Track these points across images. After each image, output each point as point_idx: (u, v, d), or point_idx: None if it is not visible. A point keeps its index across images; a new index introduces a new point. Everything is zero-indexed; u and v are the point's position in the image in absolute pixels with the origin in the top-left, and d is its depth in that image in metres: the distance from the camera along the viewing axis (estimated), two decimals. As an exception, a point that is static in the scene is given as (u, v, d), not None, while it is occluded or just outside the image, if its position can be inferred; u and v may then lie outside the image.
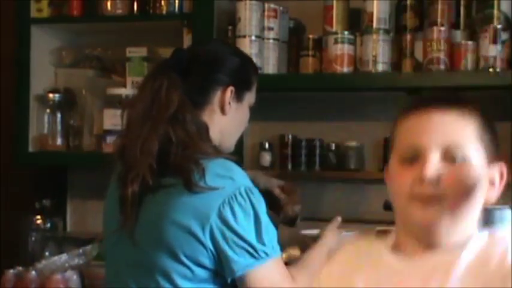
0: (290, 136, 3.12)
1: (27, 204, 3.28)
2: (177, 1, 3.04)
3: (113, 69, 3.31)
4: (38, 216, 3.27)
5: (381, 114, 3.08)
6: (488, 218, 2.34)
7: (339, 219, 2.38)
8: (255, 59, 2.89)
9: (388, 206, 2.57)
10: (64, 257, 2.98)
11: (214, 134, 2.03)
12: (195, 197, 1.89)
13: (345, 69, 2.85)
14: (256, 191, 1.95)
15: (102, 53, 3.30)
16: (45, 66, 3.26)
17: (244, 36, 2.91)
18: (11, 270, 2.96)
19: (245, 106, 2.12)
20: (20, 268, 2.98)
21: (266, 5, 2.95)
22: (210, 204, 1.89)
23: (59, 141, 3.22)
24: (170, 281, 1.92)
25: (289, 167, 3.11)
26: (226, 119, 2.06)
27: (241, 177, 1.95)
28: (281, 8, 2.99)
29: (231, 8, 2.99)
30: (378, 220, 2.94)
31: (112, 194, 2.03)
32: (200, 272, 1.92)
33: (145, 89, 2.00)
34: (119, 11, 3.12)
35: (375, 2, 2.83)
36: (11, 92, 3.22)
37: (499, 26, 2.71)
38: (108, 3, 3.13)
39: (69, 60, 3.33)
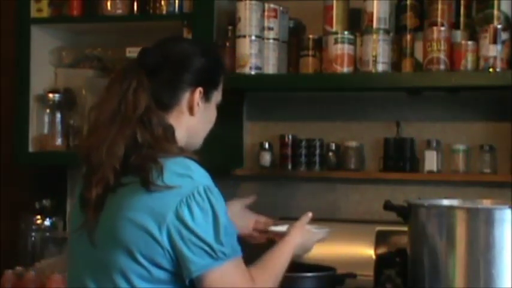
0: (290, 136, 3.12)
1: (27, 204, 3.28)
2: (177, 1, 3.04)
3: (113, 69, 3.31)
4: (38, 216, 3.27)
5: (381, 114, 3.08)
6: (488, 218, 2.35)
7: (309, 215, 2.30)
8: (255, 59, 2.90)
9: (388, 206, 2.58)
10: (64, 257, 2.98)
11: (181, 134, 2.02)
12: (152, 195, 1.87)
13: (345, 69, 2.85)
14: (216, 191, 1.93)
15: (102, 53, 3.30)
16: (45, 66, 3.26)
17: (244, 36, 2.91)
18: (11, 270, 2.96)
19: (213, 105, 2.11)
20: (20, 268, 2.98)
21: (266, 5, 2.95)
22: (167, 203, 1.86)
23: (59, 141, 3.22)
24: (128, 281, 1.89)
25: (289, 167, 3.11)
26: (194, 120, 2.04)
27: (200, 176, 1.93)
28: (281, 8, 2.99)
29: (231, 8, 2.99)
30: (377, 220, 2.95)
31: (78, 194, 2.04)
32: (157, 273, 1.89)
33: (112, 90, 1.97)
34: (119, 11, 3.12)
35: (375, 2, 2.83)
36: (11, 92, 3.22)
37: (499, 26, 2.70)
38: (108, 3, 3.13)
39: (69, 60, 3.33)
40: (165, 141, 1.94)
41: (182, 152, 1.97)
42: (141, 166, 1.89)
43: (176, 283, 1.91)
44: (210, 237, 1.87)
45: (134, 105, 1.93)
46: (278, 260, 2.11)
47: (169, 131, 1.97)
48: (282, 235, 2.25)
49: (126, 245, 1.88)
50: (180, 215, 1.86)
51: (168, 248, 1.87)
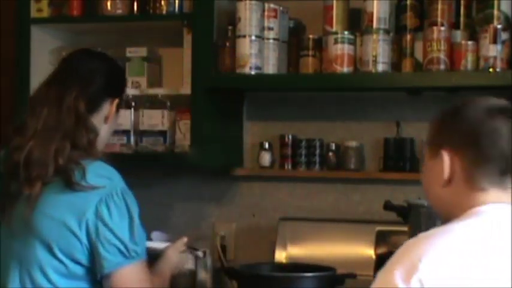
0: (290, 136, 3.12)
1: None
2: (177, 1, 3.04)
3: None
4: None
5: (381, 114, 3.08)
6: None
7: (185, 239, 2.48)
8: (254, 59, 2.90)
9: (388, 206, 2.59)
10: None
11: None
12: (74, 194, 2.01)
13: (345, 69, 2.85)
14: (131, 194, 2.08)
15: (102, 53, 3.30)
16: (45, 66, 3.25)
17: (244, 36, 2.91)
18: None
19: (117, 117, 2.28)
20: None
21: (266, 5, 2.95)
22: (88, 201, 2.01)
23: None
24: (45, 275, 2.03)
25: (289, 167, 3.11)
26: (105, 128, 2.21)
27: (118, 179, 2.08)
28: (281, 8, 2.99)
29: (231, 8, 2.99)
30: (378, 220, 2.95)
31: None
32: (74, 268, 2.02)
33: (47, 97, 2.14)
34: (119, 11, 3.12)
35: (375, 2, 2.83)
36: (11, 92, 3.22)
37: (499, 26, 2.71)
38: (108, 3, 3.13)
39: (69, 60, 3.32)
40: (94, 145, 2.13)
41: (103, 155, 2.13)
42: (64, 167, 2.04)
43: (91, 279, 2.04)
44: (125, 236, 2.01)
45: (71, 111, 2.10)
46: (162, 277, 2.30)
47: (97, 136, 2.15)
48: (157, 253, 2.41)
49: (46, 241, 2.02)
50: (100, 213, 2.01)
51: (86, 243, 2.00)
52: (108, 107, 2.20)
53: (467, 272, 1.52)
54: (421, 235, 1.60)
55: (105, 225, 2.00)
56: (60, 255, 2.01)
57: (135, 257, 2.02)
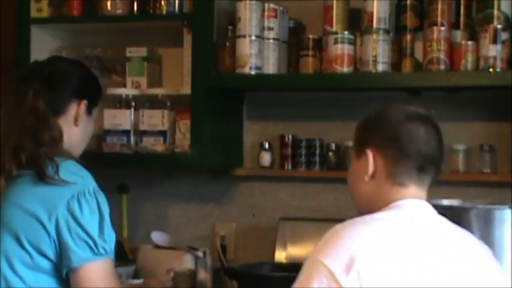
0: (290, 136, 3.12)
1: None
2: (177, 1, 3.04)
3: (113, 69, 3.31)
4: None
5: (381, 114, 3.08)
6: (488, 218, 2.35)
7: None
8: (254, 59, 2.90)
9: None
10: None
11: (64, 142, 2.19)
12: (46, 187, 2.05)
13: (345, 69, 2.85)
14: (102, 194, 2.10)
15: (102, 53, 3.30)
16: (45, 66, 3.26)
17: (244, 36, 2.91)
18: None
19: (92, 120, 2.30)
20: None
21: (266, 5, 2.95)
22: (60, 196, 2.04)
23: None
24: (11, 265, 2.05)
25: (289, 167, 3.11)
26: (76, 130, 2.24)
27: (90, 179, 2.12)
28: (281, 8, 2.99)
29: (231, 8, 2.99)
30: (378, 220, 2.94)
31: None
32: (41, 262, 2.05)
33: (10, 97, 2.19)
34: (119, 11, 3.12)
35: (375, 2, 2.83)
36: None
37: (499, 26, 2.70)
38: (108, 3, 3.13)
39: (69, 60, 3.33)
40: (59, 143, 2.16)
41: (71, 155, 2.17)
42: (37, 161, 2.08)
43: (57, 275, 2.06)
44: (94, 233, 2.04)
45: (33, 108, 2.15)
46: None
47: (61, 134, 2.18)
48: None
49: (14, 231, 2.05)
50: (71, 208, 2.03)
51: (55, 237, 2.03)
52: (75, 109, 2.22)
53: (395, 262, 1.67)
54: (348, 223, 1.77)
55: (76, 220, 2.03)
56: (27, 247, 2.04)
57: (103, 254, 2.04)
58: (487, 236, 2.30)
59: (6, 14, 3.33)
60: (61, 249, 2.03)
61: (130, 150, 3.09)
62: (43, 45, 3.23)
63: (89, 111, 2.26)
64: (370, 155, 1.84)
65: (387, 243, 1.70)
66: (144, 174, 3.28)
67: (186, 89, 3.00)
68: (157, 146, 3.07)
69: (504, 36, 2.71)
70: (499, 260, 2.28)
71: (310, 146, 3.10)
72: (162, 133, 3.07)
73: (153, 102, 3.12)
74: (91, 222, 2.05)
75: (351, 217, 2.67)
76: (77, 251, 2.02)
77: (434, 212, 1.84)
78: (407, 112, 1.88)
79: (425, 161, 1.83)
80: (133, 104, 3.12)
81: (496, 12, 2.75)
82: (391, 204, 1.80)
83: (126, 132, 3.08)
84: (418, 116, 1.88)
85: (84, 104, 2.23)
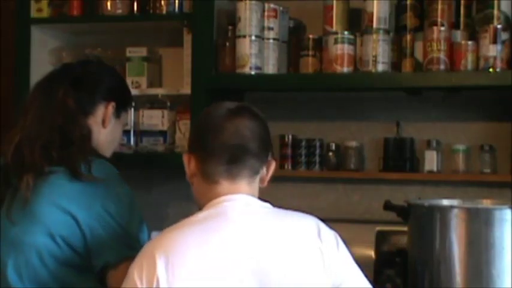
0: (290, 136, 3.12)
1: None
2: (177, 1, 3.04)
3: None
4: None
5: (381, 114, 3.08)
6: (488, 218, 2.35)
7: None
8: (254, 59, 2.90)
9: (388, 206, 2.58)
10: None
11: (93, 143, 2.22)
12: (81, 185, 2.07)
13: (345, 69, 2.85)
14: (133, 193, 2.15)
15: (102, 53, 3.30)
16: (45, 66, 3.26)
17: (244, 36, 2.91)
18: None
19: (121, 124, 2.33)
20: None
21: (266, 5, 2.95)
22: (95, 194, 2.07)
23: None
24: (41, 258, 2.07)
25: (289, 167, 3.11)
26: (104, 132, 2.26)
27: (121, 178, 2.15)
28: (281, 8, 2.99)
29: (231, 8, 2.99)
30: (378, 220, 2.94)
31: None
32: (73, 257, 2.07)
33: (40, 96, 2.21)
34: (119, 11, 3.13)
35: (375, 2, 2.83)
36: (11, 92, 3.22)
37: (499, 26, 2.71)
38: (108, 3, 3.13)
39: (69, 60, 3.32)
40: (89, 142, 2.19)
41: (101, 155, 2.21)
42: (71, 158, 2.10)
43: (86, 270, 2.08)
44: (130, 229, 2.08)
45: (63, 107, 2.18)
46: None
47: (90, 133, 2.21)
48: None
49: (48, 227, 2.06)
50: (106, 205, 2.06)
51: (89, 234, 2.05)
52: (102, 110, 2.24)
53: (200, 262, 1.74)
54: (167, 229, 1.87)
55: (113, 217, 2.06)
56: (59, 242, 2.06)
57: (139, 250, 2.02)
58: (487, 236, 2.30)
59: (6, 14, 3.33)
60: (96, 247, 2.05)
61: (130, 150, 3.09)
62: (43, 45, 3.24)
63: (117, 114, 2.28)
64: (185, 159, 1.92)
65: (194, 244, 1.77)
66: (144, 174, 3.28)
67: (186, 89, 3.00)
68: (158, 146, 3.07)
69: (504, 36, 2.71)
70: (499, 260, 2.29)
71: (310, 146, 3.09)
72: (162, 133, 3.08)
73: (153, 102, 3.12)
74: (126, 219, 2.08)
75: (351, 217, 2.67)
76: (115, 247, 2.05)
77: (252, 205, 1.87)
78: (216, 110, 1.92)
79: (233, 153, 1.86)
80: (133, 104, 3.11)
81: (496, 12, 2.75)
82: (209, 203, 1.88)
83: (126, 132, 3.08)
84: (228, 111, 1.90)
85: (111, 106, 2.25)
